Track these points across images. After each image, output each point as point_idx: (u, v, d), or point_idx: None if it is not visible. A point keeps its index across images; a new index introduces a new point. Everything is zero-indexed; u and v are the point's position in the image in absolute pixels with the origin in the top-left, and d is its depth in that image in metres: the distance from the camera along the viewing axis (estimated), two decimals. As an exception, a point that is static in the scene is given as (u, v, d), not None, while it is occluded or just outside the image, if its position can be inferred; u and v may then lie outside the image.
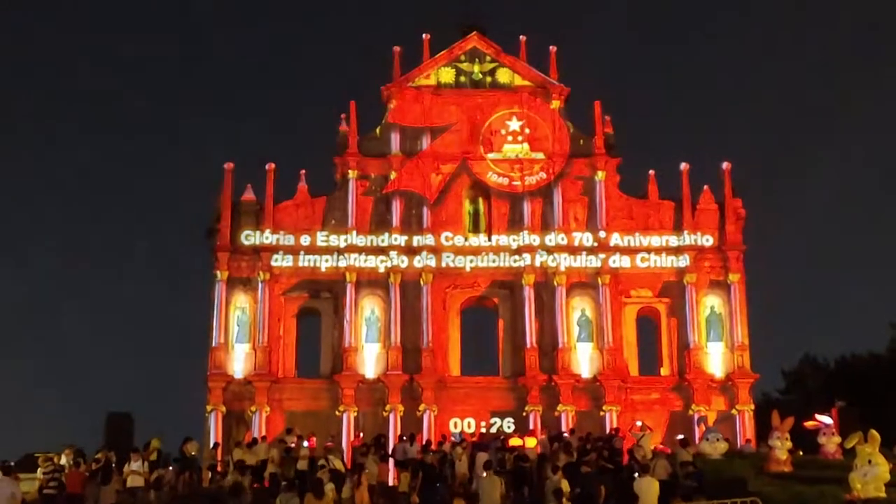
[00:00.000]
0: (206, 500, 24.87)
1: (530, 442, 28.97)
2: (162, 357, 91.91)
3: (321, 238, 37.59)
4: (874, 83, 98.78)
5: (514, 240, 37.87)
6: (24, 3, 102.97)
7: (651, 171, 39.18)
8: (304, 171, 39.02)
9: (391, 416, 36.23)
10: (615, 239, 37.79)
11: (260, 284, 37.20)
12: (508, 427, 35.89)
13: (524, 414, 36.32)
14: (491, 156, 38.78)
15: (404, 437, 30.21)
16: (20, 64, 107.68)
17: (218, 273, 37.21)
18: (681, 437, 30.38)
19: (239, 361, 36.73)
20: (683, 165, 38.60)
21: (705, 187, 38.83)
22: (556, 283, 37.52)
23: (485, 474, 22.04)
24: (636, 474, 22.41)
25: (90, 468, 26.17)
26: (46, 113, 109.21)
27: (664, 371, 37.91)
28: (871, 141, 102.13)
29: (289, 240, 37.51)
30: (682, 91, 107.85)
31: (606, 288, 37.47)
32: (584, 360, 37.05)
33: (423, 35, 40.16)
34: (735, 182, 38.81)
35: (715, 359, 37.22)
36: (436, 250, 37.57)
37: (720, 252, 37.91)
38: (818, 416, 27.14)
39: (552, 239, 37.80)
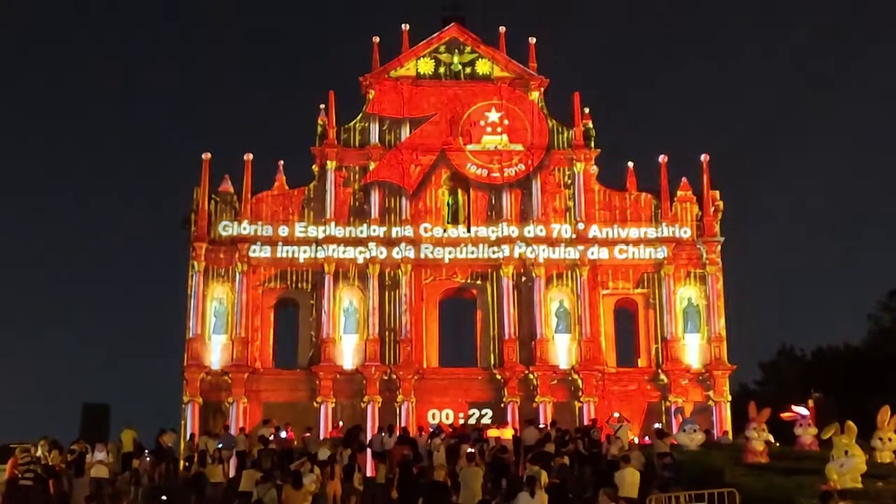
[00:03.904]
0: (182, 491, 24.87)
1: (507, 433, 29.02)
2: (139, 348, 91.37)
3: (299, 229, 37.44)
4: (851, 77, 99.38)
5: (492, 231, 37.84)
6: None
7: (630, 163, 39.25)
8: (281, 162, 38.90)
9: (369, 408, 36.17)
10: (594, 231, 37.83)
11: (237, 275, 37.02)
12: (486, 418, 35.92)
13: (502, 405, 36.34)
14: (470, 147, 38.71)
15: (382, 429, 30.16)
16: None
17: (195, 264, 37.00)
18: (657, 426, 30.52)
19: (216, 352, 36.56)
20: (662, 157, 38.65)
21: (683, 179, 38.91)
22: (534, 275, 37.53)
23: (467, 466, 22.01)
24: (610, 469, 22.42)
25: (65, 459, 26.01)
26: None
27: (641, 362, 38.01)
28: (848, 134, 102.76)
29: (267, 231, 37.33)
30: (661, 83, 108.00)
31: (585, 280, 37.53)
32: (561, 351, 37.10)
33: (403, 25, 40.05)
34: (713, 174, 38.97)
35: (692, 350, 37.33)
36: (414, 241, 37.49)
37: (697, 244, 38.02)
38: (795, 408, 27.22)
39: (531, 230, 37.79)
